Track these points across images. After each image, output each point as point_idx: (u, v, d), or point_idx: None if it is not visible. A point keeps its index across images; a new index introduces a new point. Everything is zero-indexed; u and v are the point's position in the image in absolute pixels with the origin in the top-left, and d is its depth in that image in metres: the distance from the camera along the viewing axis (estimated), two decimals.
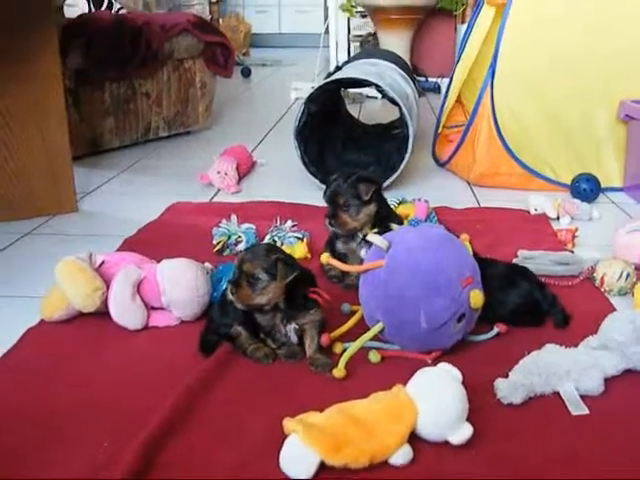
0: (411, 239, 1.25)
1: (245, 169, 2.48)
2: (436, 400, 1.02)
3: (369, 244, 1.31)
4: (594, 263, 1.57)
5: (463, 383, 1.06)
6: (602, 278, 1.51)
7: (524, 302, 1.36)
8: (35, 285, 1.53)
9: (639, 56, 2.14)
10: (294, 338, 1.25)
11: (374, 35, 4.57)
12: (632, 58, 2.14)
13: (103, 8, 3.22)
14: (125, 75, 2.76)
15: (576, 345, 1.23)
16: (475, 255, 1.34)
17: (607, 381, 1.15)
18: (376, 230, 1.44)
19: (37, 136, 1.96)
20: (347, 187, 1.46)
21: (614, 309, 1.43)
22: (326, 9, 4.44)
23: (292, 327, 1.24)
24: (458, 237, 1.38)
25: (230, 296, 1.19)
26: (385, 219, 1.49)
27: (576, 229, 1.82)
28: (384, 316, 1.23)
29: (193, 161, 2.68)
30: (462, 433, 1.01)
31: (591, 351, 1.19)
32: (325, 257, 1.36)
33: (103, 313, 1.36)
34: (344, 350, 1.23)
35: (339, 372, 1.19)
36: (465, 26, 2.56)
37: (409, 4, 4.07)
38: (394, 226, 1.45)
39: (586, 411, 1.09)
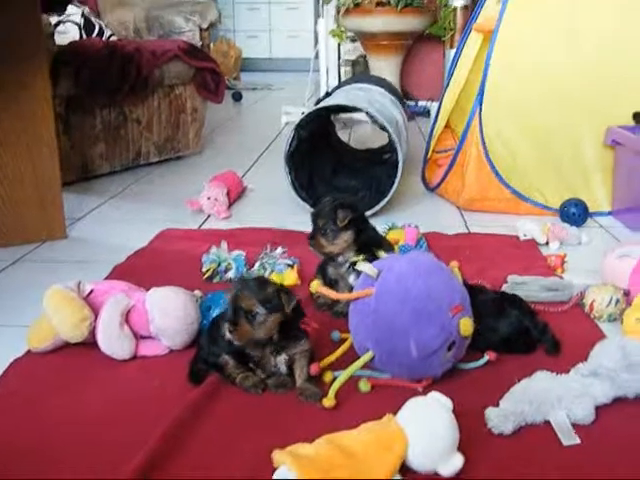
0: (400, 267, 1.25)
1: (235, 195, 2.48)
2: (427, 430, 1.02)
3: (358, 271, 1.31)
4: (583, 289, 1.58)
5: (454, 412, 1.06)
6: (591, 304, 1.52)
7: (514, 330, 1.36)
8: (23, 314, 1.52)
9: (626, 82, 2.16)
10: (283, 369, 1.24)
11: (364, 57, 4.62)
12: (620, 85, 2.17)
13: (94, 35, 3.24)
14: (116, 101, 2.77)
15: (566, 372, 1.23)
16: (465, 282, 1.34)
17: (598, 409, 1.15)
18: (362, 257, 1.44)
19: (28, 163, 1.96)
20: (327, 212, 1.48)
21: (604, 335, 1.43)
22: (316, 34, 4.49)
23: (282, 358, 1.23)
24: (448, 264, 1.38)
25: (228, 335, 1.18)
26: (369, 245, 1.49)
27: (565, 255, 1.83)
28: (374, 344, 1.23)
29: (183, 186, 2.68)
30: (453, 464, 1.00)
31: (581, 379, 1.19)
32: (315, 285, 1.36)
33: (91, 343, 1.35)
34: (334, 379, 1.23)
35: (329, 402, 1.18)
36: (453, 51, 2.58)
37: (398, 30, 4.11)
38: (381, 253, 1.45)
39: (577, 441, 1.08)
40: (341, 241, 1.48)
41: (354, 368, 1.23)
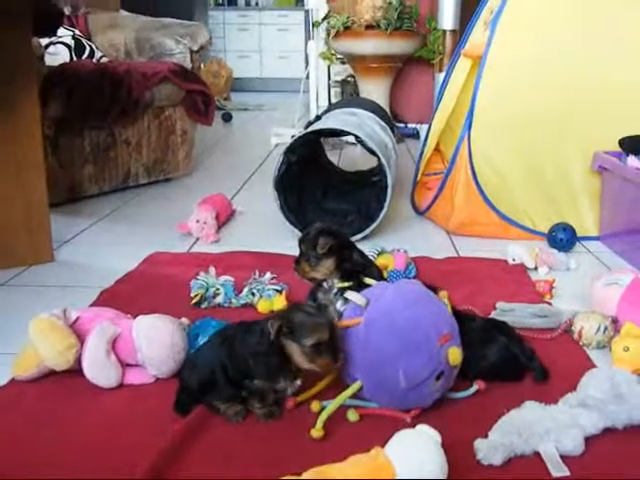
0: (388, 297, 1.25)
1: (224, 218, 2.47)
2: (415, 463, 1.01)
3: (346, 298, 1.31)
4: (572, 316, 1.58)
5: (442, 444, 1.05)
6: (580, 331, 1.52)
7: (502, 357, 1.36)
8: (8, 340, 1.50)
9: (614, 108, 2.18)
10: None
11: (354, 77, 4.66)
12: (607, 110, 2.18)
13: (85, 56, 3.24)
14: (106, 123, 2.77)
15: (555, 401, 1.23)
16: (454, 309, 1.34)
17: (587, 440, 1.15)
18: (347, 283, 1.45)
19: (15, 187, 1.95)
20: (310, 238, 1.49)
21: (592, 364, 1.43)
22: (307, 55, 4.52)
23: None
24: (437, 292, 1.38)
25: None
26: (353, 272, 1.49)
27: (554, 280, 1.83)
28: (363, 374, 1.22)
29: (172, 209, 2.68)
30: None
31: (570, 409, 1.19)
32: None
33: (77, 371, 1.33)
34: (322, 409, 1.22)
35: (317, 432, 1.17)
36: (442, 75, 2.60)
37: (387, 53, 4.14)
38: (369, 280, 1.45)
39: (567, 472, 1.08)
40: (323, 268, 1.49)
41: (342, 398, 1.22)
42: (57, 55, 3.07)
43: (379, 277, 1.58)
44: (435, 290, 1.38)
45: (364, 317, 1.22)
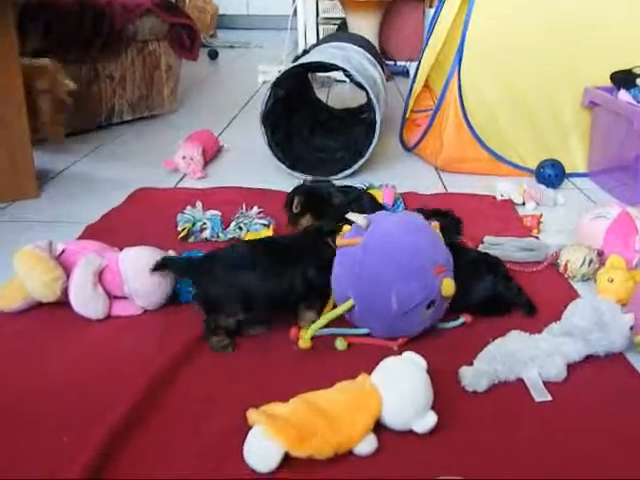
0: (389, 223, 1.26)
1: (211, 154, 2.44)
2: (400, 389, 1.02)
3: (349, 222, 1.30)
4: (558, 249, 1.59)
5: (428, 371, 1.07)
6: (565, 264, 1.53)
7: (487, 296, 1.36)
8: None
9: (604, 43, 2.15)
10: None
11: (344, 20, 4.54)
12: (597, 45, 2.15)
13: None
14: (87, 57, 2.69)
15: (540, 331, 1.25)
16: (449, 241, 1.34)
17: (569, 367, 1.17)
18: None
19: None
20: (289, 199, 1.61)
21: (577, 295, 1.45)
22: None
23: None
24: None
25: None
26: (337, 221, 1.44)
27: (541, 215, 1.84)
28: (355, 294, 1.23)
29: (158, 146, 2.63)
30: (426, 422, 1.01)
31: (554, 338, 1.20)
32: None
33: (64, 303, 1.33)
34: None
35: (304, 343, 1.20)
36: (433, 10, 2.54)
37: None
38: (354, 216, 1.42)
39: (549, 397, 1.10)
40: (301, 226, 1.57)
41: (333, 314, 1.24)
42: None
43: (373, 206, 1.61)
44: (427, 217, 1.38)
45: (363, 238, 1.22)
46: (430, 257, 1.21)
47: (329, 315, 1.24)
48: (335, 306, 1.28)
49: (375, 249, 1.21)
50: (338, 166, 2.24)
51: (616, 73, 2.09)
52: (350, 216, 1.26)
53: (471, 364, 1.16)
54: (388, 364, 1.07)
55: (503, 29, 2.19)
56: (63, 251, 1.37)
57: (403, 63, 4.37)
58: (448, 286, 1.21)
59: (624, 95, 2.03)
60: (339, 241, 1.27)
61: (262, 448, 0.94)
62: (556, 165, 2.18)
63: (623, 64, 2.10)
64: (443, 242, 1.28)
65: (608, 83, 2.11)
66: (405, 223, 1.27)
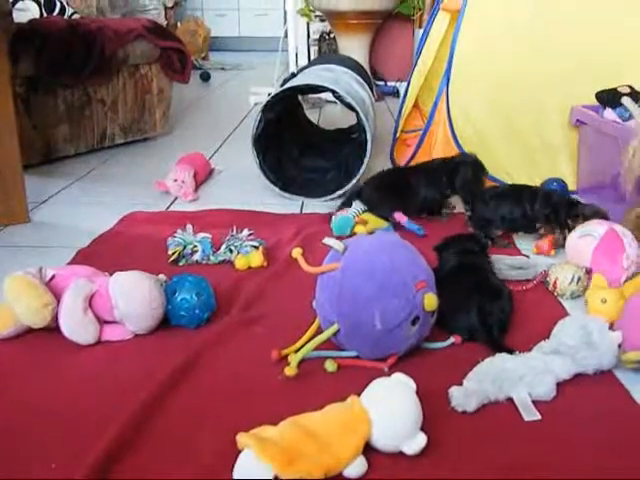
0: (366, 243, 1.28)
1: (203, 176, 2.45)
2: (390, 411, 1.02)
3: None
4: (547, 267, 1.60)
5: (417, 392, 1.07)
6: (554, 282, 1.54)
7: (474, 327, 1.34)
8: None
9: (590, 61, 2.18)
10: None
11: (329, 34, 4.59)
12: (584, 63, 2.18)
13: (55, 13, 3.15)
14: (79, 81, 2.71)
15: (529, 350, 1.25)
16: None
17: (558, 385, 1.17)
18: None
19: None
20: None
21: (566, 312, 1.46)
22: (285, 13, 4.44)
23: None
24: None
25: None
26: None
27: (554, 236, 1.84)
28: (339, 318, 1.23)
29: (150, 168, 2.65)
30: (416, 443, 1.01)
31: (543, 356, 1.21)
32: (296, 252, 1.34)
33: (54, 328, 1.33)
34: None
35: (290, 370, 1.20)
36: (422, 31, 2.58)
37: (367, 9, 4.08)
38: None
39: (538, 417, 1.10)
40: None
41: (319, 340, 1.24)
42: (26, 11, 2.96)
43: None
44: None
45: (342, 262, 1.23)
46: (410, 273, 1.22)
47: (315, 341, 1.24)
48: (321, 331, 1.28)
49: (354, 270, 1.22)
50: (330, 187, 2.26)
51: (601, 92, 2.11)
52: (327, 241, 1.27)
53: (461, 384, 1.16)
54: (377, 385, 1.07)
55: (491, 49, 2.22)
56: (53, 276, 1.37)
57: (393, 83, 4.42)
58: (430, 300, 1.21)
59: (610, 114, 2.06)
60: (318, 269, 1.27)
61: (252, 471, 0.94)
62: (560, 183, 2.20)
63: (609, 83, 2.13)
64: (424, 260, 1.29)
65: (595, 102, 2.14)
66: (381, 242, 1.29)
